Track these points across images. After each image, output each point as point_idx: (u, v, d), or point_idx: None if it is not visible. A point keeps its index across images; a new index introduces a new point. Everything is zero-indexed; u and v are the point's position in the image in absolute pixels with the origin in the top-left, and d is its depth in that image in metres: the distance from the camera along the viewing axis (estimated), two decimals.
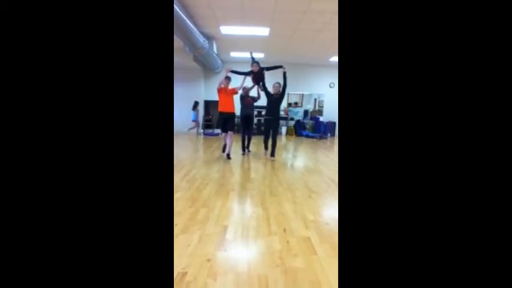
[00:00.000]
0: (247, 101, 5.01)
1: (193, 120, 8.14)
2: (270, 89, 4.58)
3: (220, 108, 4.61)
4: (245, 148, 5.11)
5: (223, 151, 4.76)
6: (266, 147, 4.87)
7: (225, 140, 4.73)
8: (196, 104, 8.13)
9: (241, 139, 5.13)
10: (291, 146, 6.50)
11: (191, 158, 4.71)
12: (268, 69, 4.52)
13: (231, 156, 4.61)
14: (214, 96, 9.12)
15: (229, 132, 4.59)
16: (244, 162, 4.46)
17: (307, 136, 8.34)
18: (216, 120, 5.18)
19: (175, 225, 2.06)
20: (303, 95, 10.19)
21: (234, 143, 4.97)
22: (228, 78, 4.56)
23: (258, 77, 4.55)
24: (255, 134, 6.60)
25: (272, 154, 4.66)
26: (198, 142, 6.62)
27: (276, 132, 4.68)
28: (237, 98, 4.81)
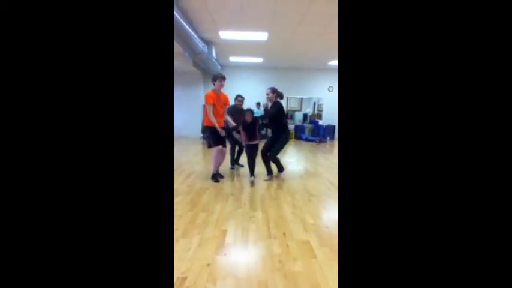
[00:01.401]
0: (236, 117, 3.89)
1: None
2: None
3: (208, 122, 3.40)
4: (234, 163, 4.31)
5: (215, 178, 3.54)
6: (269, 171, 3.71)
7: (217, 158, 3.54)
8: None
9: (231, 153, 4.25)
10: (290, 149, 6.50)
11: (191, 162, 4.71)
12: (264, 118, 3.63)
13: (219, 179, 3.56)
14: None
15: (220, 148, 3.45)
16: (244, 165, 4.45)
17: (307, 140, 8.34)
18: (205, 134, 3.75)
19: (176, 229, 2.06)
20: (302, 99, 10.22)
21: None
22: (222, 79, 3.43)
23: (248, 128, 3.51)
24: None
25: (279, 169, 3.72)
26: (199, 146, 6.62)
27: (276, 146, 3.55)
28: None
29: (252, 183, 3.45)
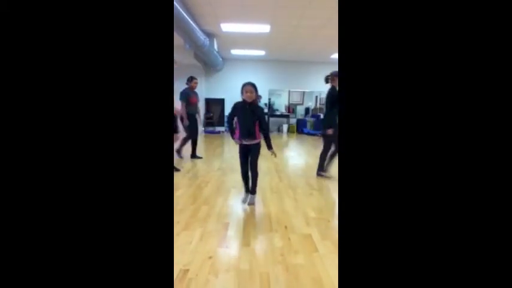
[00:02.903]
0: (192, 99, 4.15)
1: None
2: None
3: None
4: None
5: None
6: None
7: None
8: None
9: (177, 149, 4.26)
10: (292, 143, 6.49)
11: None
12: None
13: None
14: (216, 94, 9.11)
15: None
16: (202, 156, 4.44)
17: (309, 134, 8.32)
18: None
19: (177, 222, 2.06)
20: (304, 92, 10.17)
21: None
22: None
23: (242, 115, 2.25)
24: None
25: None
26: (199, 140, 6.63)
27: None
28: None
29: (251, 203, 2.41)
